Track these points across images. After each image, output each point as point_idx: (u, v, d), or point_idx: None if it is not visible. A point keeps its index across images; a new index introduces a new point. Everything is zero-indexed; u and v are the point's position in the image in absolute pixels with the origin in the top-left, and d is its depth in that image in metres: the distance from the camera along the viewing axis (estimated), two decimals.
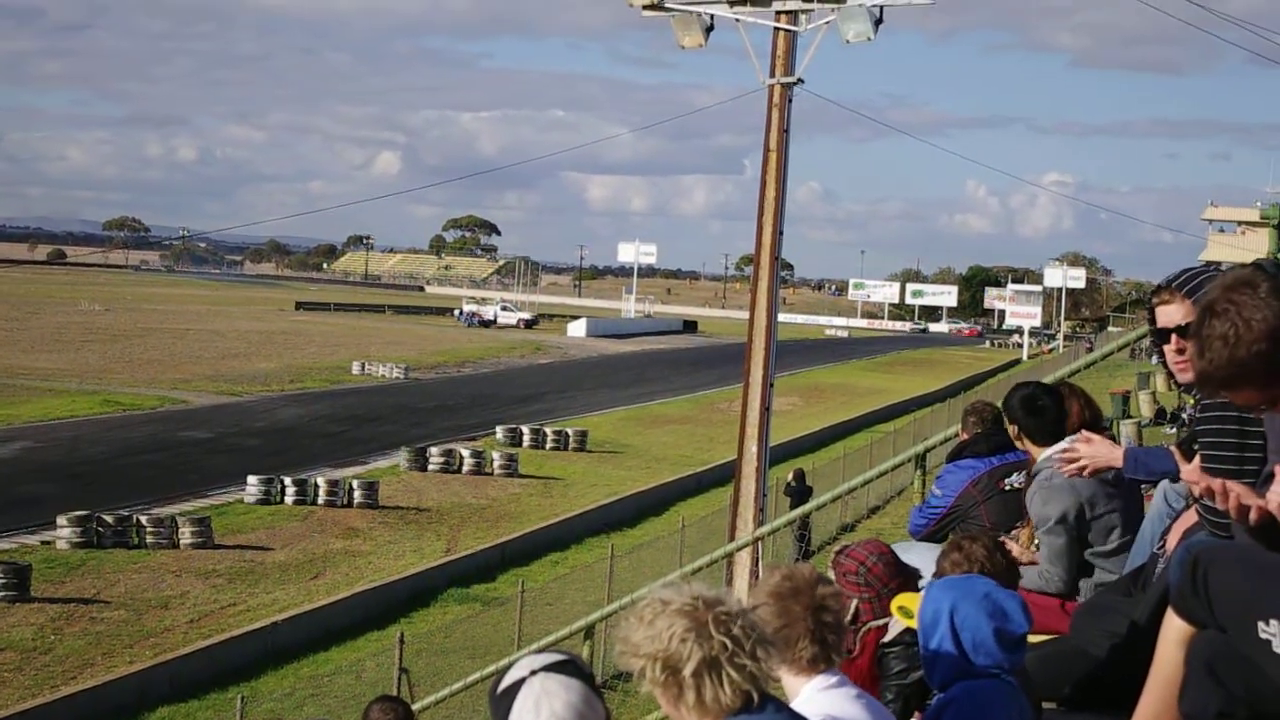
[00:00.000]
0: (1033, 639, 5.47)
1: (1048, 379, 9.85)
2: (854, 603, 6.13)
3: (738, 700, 3.94)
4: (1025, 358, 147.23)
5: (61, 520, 38.29)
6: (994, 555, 6.17)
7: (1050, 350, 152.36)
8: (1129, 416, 56.52)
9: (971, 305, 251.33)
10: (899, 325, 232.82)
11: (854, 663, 6.09)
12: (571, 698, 3.68)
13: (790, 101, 28.35)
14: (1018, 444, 7.99)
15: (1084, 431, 7.58)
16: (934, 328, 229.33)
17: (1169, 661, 4.43)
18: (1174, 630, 4.41)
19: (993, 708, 5.01)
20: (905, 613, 5.62)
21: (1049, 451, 7.59)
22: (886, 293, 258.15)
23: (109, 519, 38.69)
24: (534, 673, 3.74)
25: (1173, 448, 6.31)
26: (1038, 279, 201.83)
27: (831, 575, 6.24)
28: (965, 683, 5.08)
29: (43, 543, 38.39)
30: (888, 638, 5.93)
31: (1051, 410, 7.83)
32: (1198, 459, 5.11)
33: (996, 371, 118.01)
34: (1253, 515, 4.23)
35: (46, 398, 69.15)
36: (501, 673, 3.86)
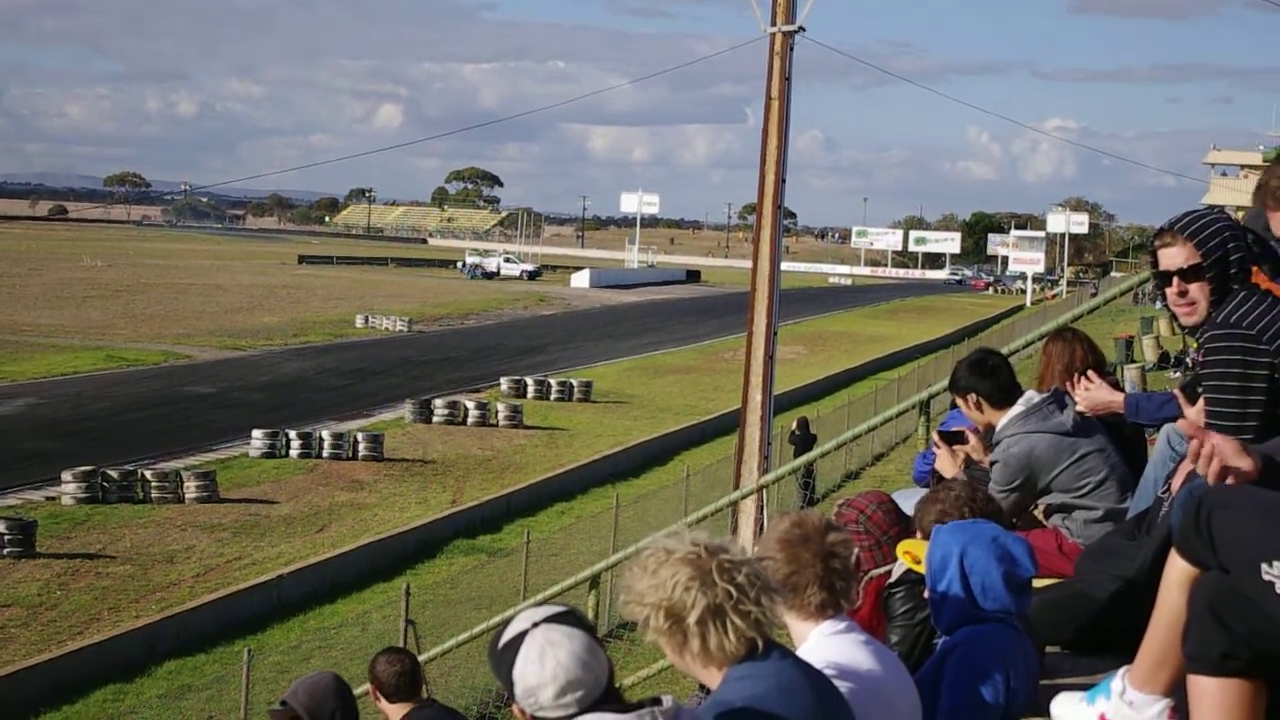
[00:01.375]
0: (1036, 583, 5.47)
1: (1053, 324, 9.83)
2: (855, 551, 6.14)
3: (742, 647, 3.95)
4: (1029, 303, 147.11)
5: (66, 476, 38.32)
6: (974, 495, 6.15)
7: (1054, 296, 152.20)
8: (1133, 361, 56.55)
9: (975, 251, 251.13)
10: (903, 272, 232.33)
11: (855, 612, 6.10)
12: (575, 648, 3.69)
13: (792, 50, 28.24)
14: (976, 415, 7.83)
15: (1089, 373, 7.57)
16: (935, 274, 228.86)
17: (1172, 604, 4.43)
18: (1177, 572, 4.41)
19: (999, 652, 5.02)
20: (912, 558, 5.63)
21: (1007, 417, 7.54)
22: (890, 240, 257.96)
23: (114, 474, 38.72)
24: (536, 625, 3.75)
25: (1176, 391, 6.30)
26: (1041, 225, 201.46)
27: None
28: (971, 627, 5.09)
29: (48, 498, 38.41)
30: (892, 579, 5.93)
31: (1003, 369, 7.75)
32: (1201, 402, 5.10)
33: (1000, 318, 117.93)
34: (1230, 478, 4.23)
35: (49, 354, 69.21)
36: (503, 626, 3.86)
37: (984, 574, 5.07)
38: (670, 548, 3.97)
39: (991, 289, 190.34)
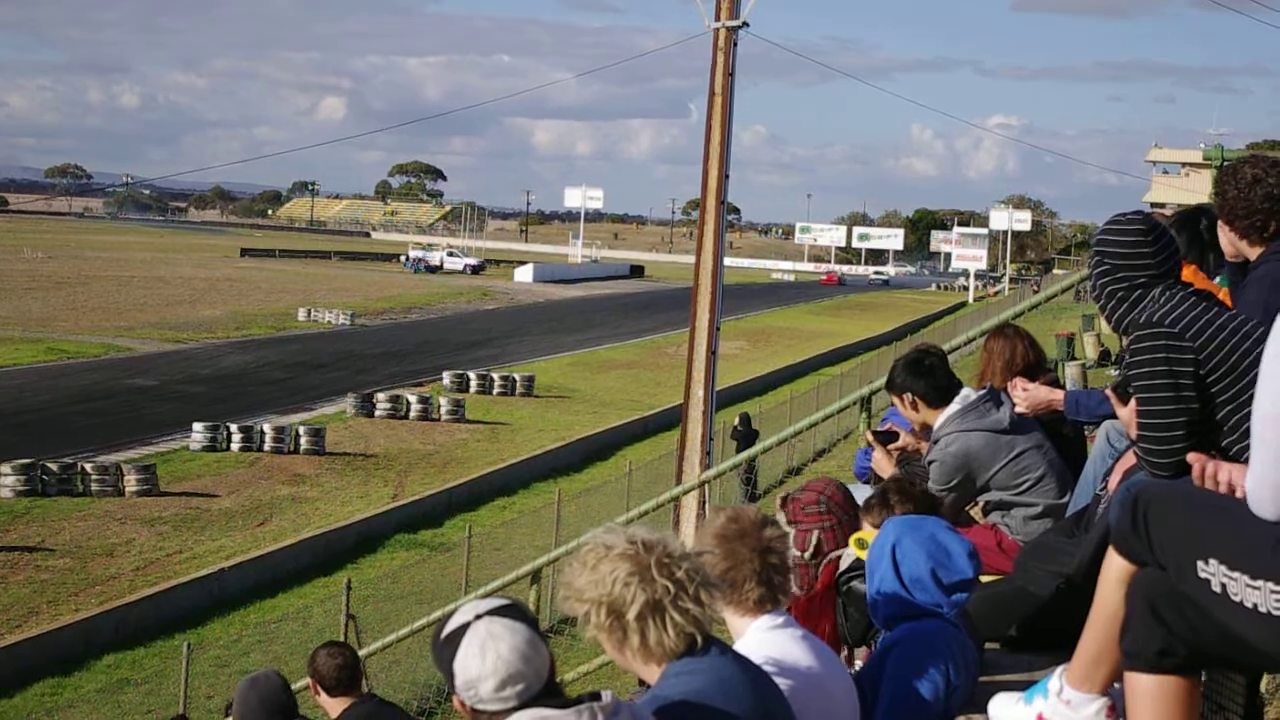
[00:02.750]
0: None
1: (994, 321, 9.87)
2: (815, 534, 6.17)
3: (681, 643, 3.96)
4: (971, 300, 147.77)
5: (5, 468, 38.09)
6: (906, 491, 6.17)
7: (996, 293, 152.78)
8: (1074, 359, 56.84)
9: (918, 248, 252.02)
10: (846, 268, 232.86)
11: (811, 590, 6.12)
12: (517, 641, 3.68)
13: (735, 45, 28.31)
14: (910, 414, 7.83)
15: (1018, 378, 7.60)
16: (882, 270, 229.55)
17: (1109, 600, 4.46)
18: (1114, 569, 4.44)
19: (937, 648, 5.04)
20: (861, 544, 5.66)
21: (944, 415, 7.56)
22: (833, 236, 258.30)
23: (53, 467, 38.51)
24: (479, 617, 3.74)
25: (1109, 390, 6.33)
26: (984, 222, 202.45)
27: (780, 519, 6.27)
28: (910, 623, 5.11)
29: None
30: (844, 566, 5.95)
31: (940, 368, 7.74)
32: (1133, 402, 5.13)
33: (943, 314, 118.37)
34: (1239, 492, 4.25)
35: None
36: (446, 618, 3.86)
37: (913, 566, 5.10)
38: (609, 543, 3.98)
39: (935, 285, 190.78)
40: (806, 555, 6.14)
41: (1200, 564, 4.07)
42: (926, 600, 5.10)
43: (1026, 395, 7.34)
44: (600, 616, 3.96)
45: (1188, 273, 5.43)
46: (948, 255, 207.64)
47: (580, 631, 4.06)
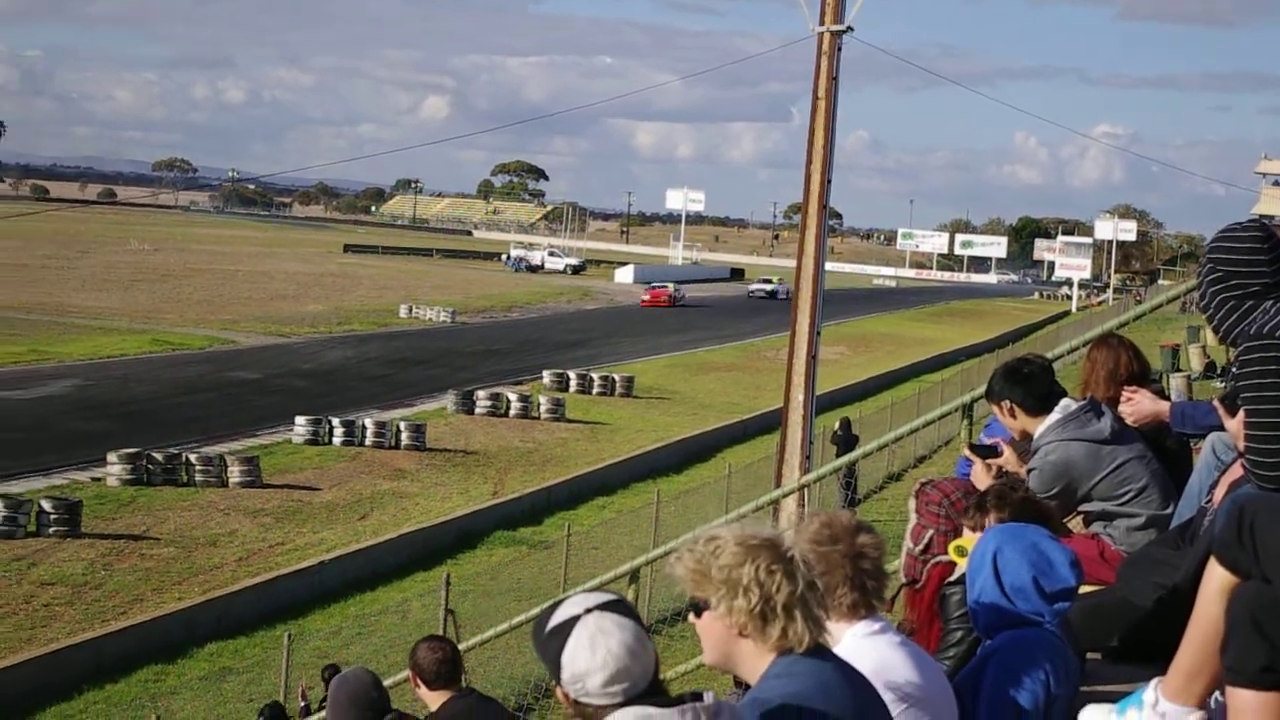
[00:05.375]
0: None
1: (1098, 330, 9.82)
2: (929, 533, 6.18)
3: (813, 640, 4.00)
4: (1074, 309, 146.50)
5: (112, 457, 38.54)
6: (1007, 498, 6.16)
7: (1100, 303, 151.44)
8: (1178, 370, 56.33)
9: (1021, 256, 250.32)
10: (949, 275, 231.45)
11: (920, 594, 6.14)
12: (625, 637, 3.69)
13: (839, 49, 28.29)
14: (1009, 422, 7.76)
15: (1128, 386, 7.57)
16: (981, 278, 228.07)
17: (1209, 614, 4.42)
18: (1216, 581, 4.40)
19: (1038, 658, 5.03)
20: (960, 552, 5.67)
21: (1044, 424, 7.51)
22: (935, 243, 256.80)
23: (159, 456, 38.91)
24: (589, 611, 3.74)
25: (1216, 402, 6.31)
26: (1088, 231, 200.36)
27: (910, 505, 6.30)
28: (1010, 632, 5.11)
29: (94, 479, 38.61)
30: (952, 577, 5.95)
31: (1039, 376, 7.63)
32: (1241, 413, 5.11)
33: (1045, 323, 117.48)
34: None
35: (97, 336, 69.61)
36: (549, 611, 3.87)
37: (1014, 575, 5.07)
38: (755, 531, 4.01)
39: (1038, 294, 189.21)
40: (917, 550, 6.16)
41: None
42: (1028, 609, 5.10)
43: (1133, 406, 7.31)
44: (738, 599, 3.98)
45: None
46: (1051, 264, 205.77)
47: (714, 607, 4.04)
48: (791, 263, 34.94)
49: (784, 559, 3.97)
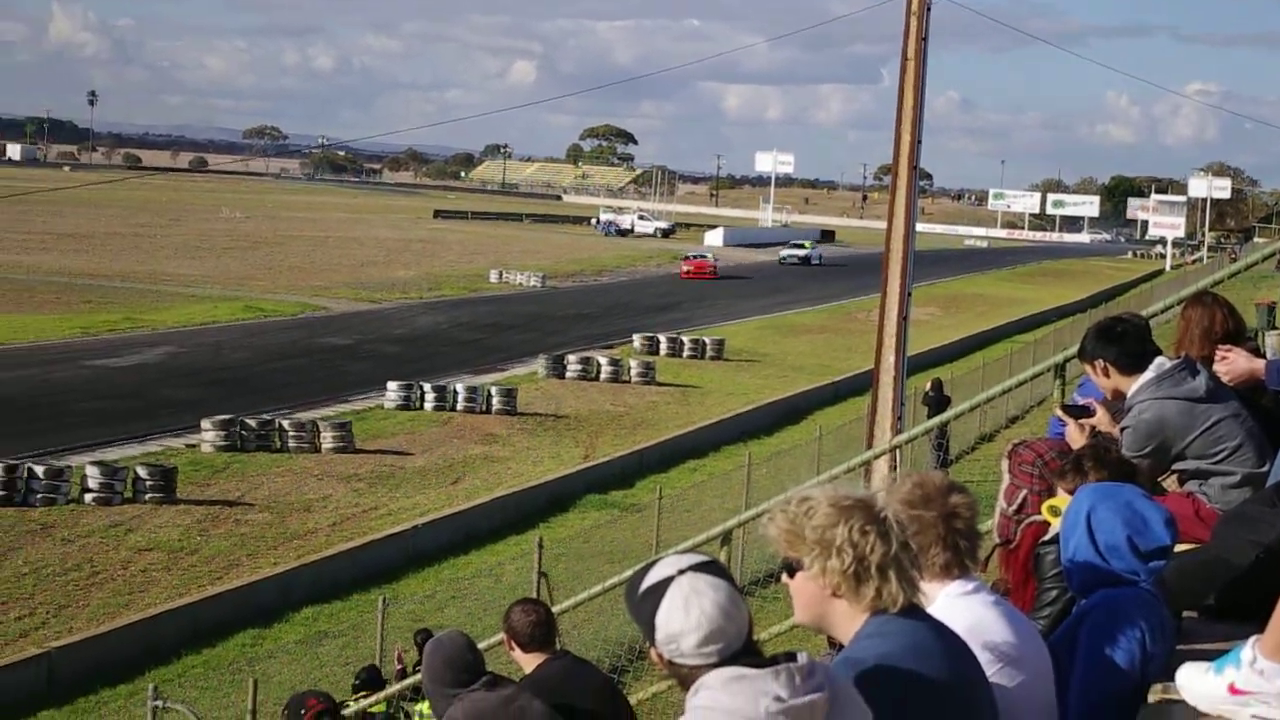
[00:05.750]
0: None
1: (1192, 289, 9.73)
2: (1023, 493, 6.16)
3: (906, 600, 4.00)
4: (1168, 268, 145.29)
5: (206, 424, 38.84)
6: (1101, 458, 6.11)
7: (1194, 261, 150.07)
8: (1274, 328, 55.28)
9: (1114, 215, 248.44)
10: (1040, 235, 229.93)
11: (1014, 554, 6.13)
12: (720, 598, 3.69)
13: (929, 10, 28.15)
14: (1102, 382, 7.70)
15: (1223, 345, 7.50)
16: (1073, 238, 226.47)
17: None
18: None
19: (1133, 617, 5.00)
20: (1054, 511, 5.65)
21: (1138, 383, 7.45)
22: (1027, 203, 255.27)
23: (252, 423, 39.18)
24: (682, 572, 3.74)
25: None
26: (1182, 189, 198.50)
27: (1003, 465, 6.29)
28: (1105, 591, 5.08)
29: (188, 445, 38.94)
30: (1046, 536, 5.93)
31: (1131, 335, 7.55)
32: None
33: (1139, 282, 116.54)
34: None
35: (190, 303, 70.23)
36: (642, 572, 3.87)
37: (1109, 534, 5.05)
38: (848, 493, 4.01)
39: (1131, 253, 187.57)
40: (1011, 510, 6.14)
41: None
42: (1123, 568, 5.07)
43: (1227, 364, 7.25)
44: (831, 560, 3.98)
45: None
46: (1144, 223, 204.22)
47: (806, 567, 4.05)
48: (881, 225, 34.82)
49: (877, 519, 3.97)
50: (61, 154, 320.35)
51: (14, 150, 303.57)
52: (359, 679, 19.02)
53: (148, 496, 32.97)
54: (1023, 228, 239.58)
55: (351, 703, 17.13)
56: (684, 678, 3.71)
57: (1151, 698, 4.83)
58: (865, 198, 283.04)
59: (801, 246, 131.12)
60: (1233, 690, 4.72)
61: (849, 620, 4.05)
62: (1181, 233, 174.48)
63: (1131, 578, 5.07)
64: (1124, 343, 7.50)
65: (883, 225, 31.13)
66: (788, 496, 4.12)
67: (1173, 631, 5.29)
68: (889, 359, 28.70)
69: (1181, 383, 7.33)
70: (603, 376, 54.15)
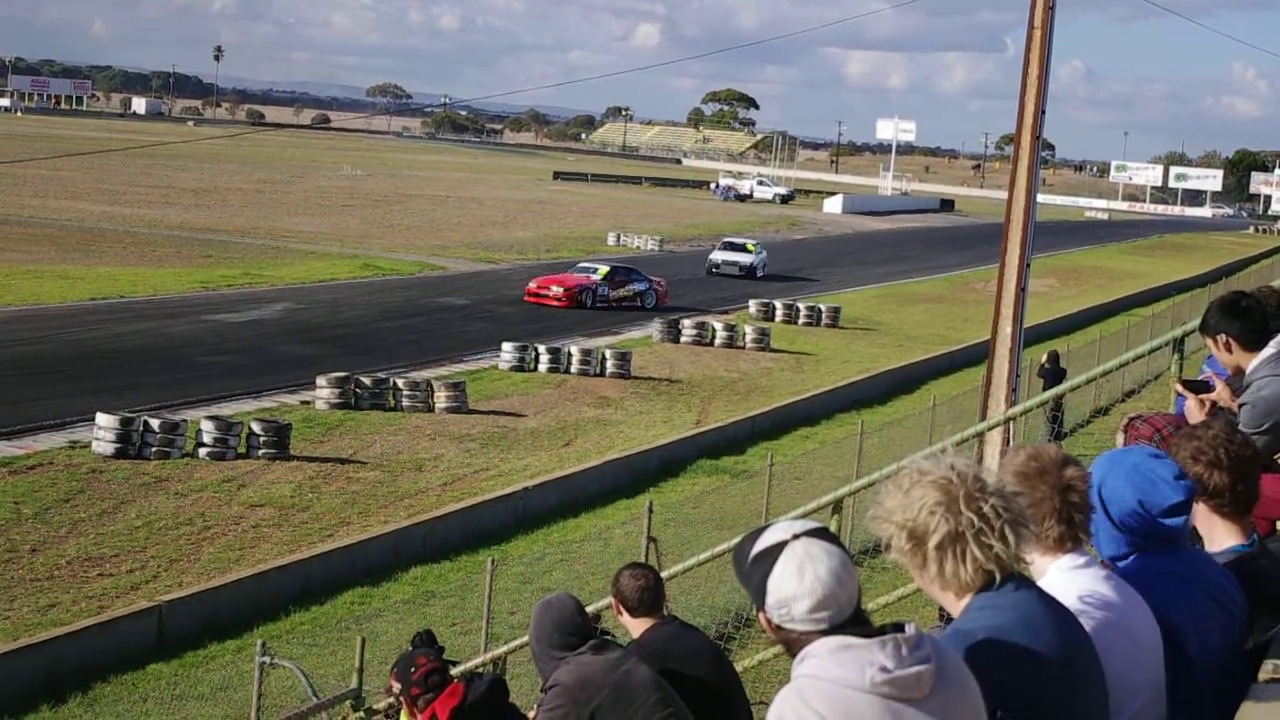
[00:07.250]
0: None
1: None
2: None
3: (978, 579, 3.96)
4: None
5: (321, 381, 39.02)
6: (1232, 435, 6.01)
7: None
8: None
9: (1237, 190, 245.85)
10: (1162, 208, 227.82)
11: None
12: (833, 564, 3.70)
13: None
14: (1224, 357, 7.63)
15: None
16: (1195, 212, 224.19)
17: None
18: None
19: (1164, 581, 4.93)
20: None
21: (1259, 359, 7.36)
22: (1149, 175, 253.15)
23: (366, 381, 39.34)
24: (796, 537, 3.75)
25: None
26: None
27: (1119, 439, 6.23)
28: (1137, 556, 5.03)
29: (302, 402, 39.17)
30: None
31: (1256, 311, 7.53)
32: None
33: (1260, 258, 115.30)
34: None
35: (309, 260, 70.77)
36: (753, 536, 3.86)
37: (1120, 503, 5.00)
38: (925, 469, 3.99)
39: (1253, 229, 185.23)
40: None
41: None
42: (1144, 531, 5.00)
43: None
44: (903, 541, 3.98)
45: None
46: (1267, 198, 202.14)
47: (884, 552, 4.08)
48: (1001, 194, 34.60)
49: (986, 492, 3.93)
50: (186, 109, 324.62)
51: (139, 104, 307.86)
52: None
53: (261, 452, 33.19)
54: (1144, 201, 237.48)
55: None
56: (792, 643, 3.71)
57: (1262, 675, 4.76)
58: (977, 166, 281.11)
59: (744, 250, 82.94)
60: None
61: (943, 594, 4.03)
62: None
63: (1168, 538, 5.02)
64: (1248, 318, 7.45)
65: (1002, 195, 30.95)
66: (898, 467, 4.11)
67: (1231, 596, 5.16)
68: (1005, 330, 28.50)
69: None
70: (718, 342, 54.14)
